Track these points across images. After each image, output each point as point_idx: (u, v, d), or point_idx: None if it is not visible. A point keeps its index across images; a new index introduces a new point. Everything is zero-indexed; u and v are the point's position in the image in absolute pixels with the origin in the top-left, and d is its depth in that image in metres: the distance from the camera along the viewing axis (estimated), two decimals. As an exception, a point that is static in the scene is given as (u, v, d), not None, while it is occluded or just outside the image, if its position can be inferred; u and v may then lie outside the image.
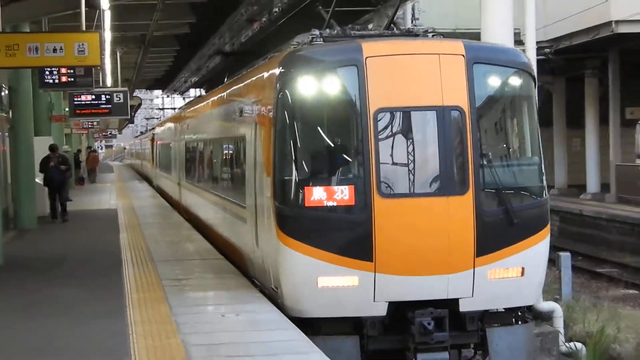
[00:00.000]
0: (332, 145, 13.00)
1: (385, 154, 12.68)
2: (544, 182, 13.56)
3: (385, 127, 12.75)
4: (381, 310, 12.68)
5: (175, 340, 11.48)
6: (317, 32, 14.36)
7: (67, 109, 36.18)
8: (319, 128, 13.06)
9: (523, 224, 12.89)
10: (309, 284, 12.62)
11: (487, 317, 13.19)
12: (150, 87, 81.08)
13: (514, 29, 18.96)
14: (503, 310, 13.41)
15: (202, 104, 24.92)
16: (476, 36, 18.23)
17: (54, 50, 16.92)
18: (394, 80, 12.80)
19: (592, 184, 41.49)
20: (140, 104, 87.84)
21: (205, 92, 35.90)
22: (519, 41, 20.33)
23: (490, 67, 13.17)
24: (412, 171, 12.78)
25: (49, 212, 29.56)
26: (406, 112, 12.82)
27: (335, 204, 12.55)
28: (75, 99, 30.52)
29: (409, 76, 12.85)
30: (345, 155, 12.91)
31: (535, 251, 13.10)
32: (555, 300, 18.38)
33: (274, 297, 13.57)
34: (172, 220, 28.63)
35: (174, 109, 76.94)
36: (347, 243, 12.57)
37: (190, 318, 12.85)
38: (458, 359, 13.38)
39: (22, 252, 22.14)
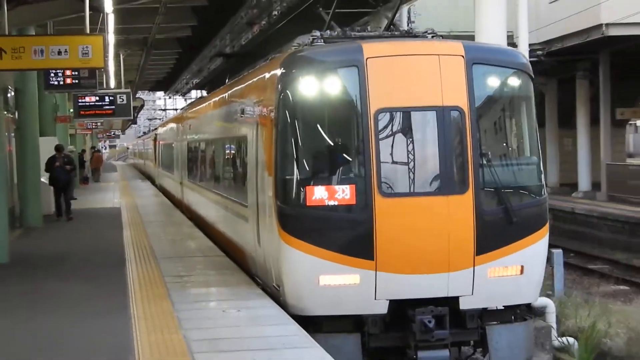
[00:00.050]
0: (333, 145, 12.82)
1: (386, 154, 12.50)
2: (543, 181, 13.40)
3: (386, 127, 12.58)
4: (382, 308, 12.51)
5: (177, 336, 11.43)
6: (317, 33, 14.19)
7: (71, 110, 36.06)
8: (320, 128, 12.86)
9: (522, 222, 12.72)
10: (311, 282, 12.45)
11: (487, 315, 13.02)
12: (153, 89, 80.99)
13: (507, 31, 18.85)
14: (503, 308, 13.23)
15: (204, 105, 24.74)
16: (471, 39, 18.09)
17: (59, 52, 16.82)
18: (395, 80, 12.62)
19: (584, 182, 41.47)
20: (143, 105, 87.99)
21: (207, 94, 35.71)
22: (512, 44, 20.21)
23: (490, 68, 12.98)
24: (413, 171, 12.60)
25: (54, 210, 29.46)
26: (406, 112, 12.64)
27: (336, 203, 12.38)
28: (80, 101, 30.58)
29: (409, 77, 12.67)
30: (346, 155, 12.74)
31: (534, 250, 12.94)
32: (548, 296, 18.33)
33: (276, 295, 13.39)
34: (174, 218, 28.55)
35: (176, 109, 76.79)
36: (348, 242, 12.40)
37: (192, 314, 12.80)
38: (458, 356, 13.23)
39: (28, 249, 22.04)
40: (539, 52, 37.68)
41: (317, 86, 12.61)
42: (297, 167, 12.63)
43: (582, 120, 41.57)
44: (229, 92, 18.83)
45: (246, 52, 38.43)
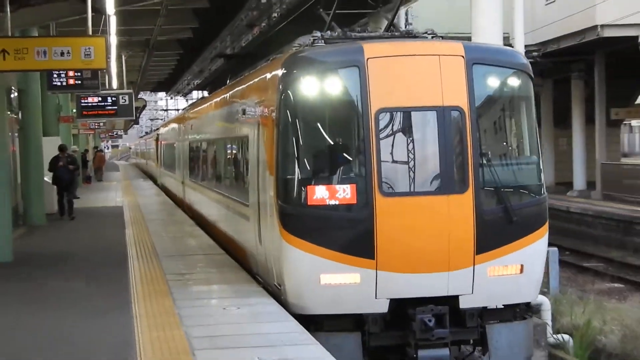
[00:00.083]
0: (334, 144, 12.67)
1: (387, 154, 12.35)
2: (542, 180, 13.26)
3: (386, 127, 12.42)
4: (383, 307, 12.36)
5: (178, 332, 11.40)
6: (318, 34, 14.04)
7: (74, 110, 36.19)
8: (321, 128, 12.71)
9: (522, 222, 12.57)
10: (312, 281, 12.30)
11: (487, 314, 12.87)
12: (155, 90, 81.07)
13: (504, 33, 18.74)
14: (502, 307, 13.07)
15: (206, 105, 24.59)
16: (467, 40, 17.90)
17: (62, 54, 16.80)
18: (395, 80, 12.46)
19: (579, 181, 41.47)
20: (144, 106, 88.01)
21: (208, 94, 35.60)
22: (508, 45, 19.98)
23: (490, 68, 12.82)
24: (413, 170, 12.45)
25: (57, 209, 29.33)
26: (407, 112, 12.48)
27: (337, 202, 12.23)
28: (82, 101, 30.75)
29: (410, 77, 12.51)
30: (347, 155, 12.58)
31: (534, 249, 12.79)
32: (543, 293, 18.23)
33: (277, 294, 13.25)
34: (175, 217, 28.45)
35: (177, 110, 76.74)
36: (349, 241, 12.25)
37: (193, 311, 12.75)
38: (458, 354, 13.09)
39: (32, 248, 21.97)
40: (535, 53, 37.68)
41: (318, 86, 12.46)
42: (298, 167, 12.48)
43: (577, 120, 41.59)
44: (230, 92, 18.69)
45: (246, 53, 38.35)
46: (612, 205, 35.25)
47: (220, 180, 20.14)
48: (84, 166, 50.39)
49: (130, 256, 18.65)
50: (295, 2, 28.87)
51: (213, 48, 45.17)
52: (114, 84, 37.11)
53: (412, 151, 12.42)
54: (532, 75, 13.18)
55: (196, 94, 69.82)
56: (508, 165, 13.08)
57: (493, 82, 12.93)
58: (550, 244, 20.57)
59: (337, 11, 16.16)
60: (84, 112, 31.15)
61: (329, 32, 14.56)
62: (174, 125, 37.13)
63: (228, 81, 22.19)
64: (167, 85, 68.55)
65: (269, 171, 13.15)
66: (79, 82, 23.63)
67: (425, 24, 34.64)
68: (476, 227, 12.26)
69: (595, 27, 34.31)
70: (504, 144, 13.44)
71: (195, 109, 28.30)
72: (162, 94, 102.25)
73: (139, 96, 70.40)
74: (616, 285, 25.60)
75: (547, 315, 16.84)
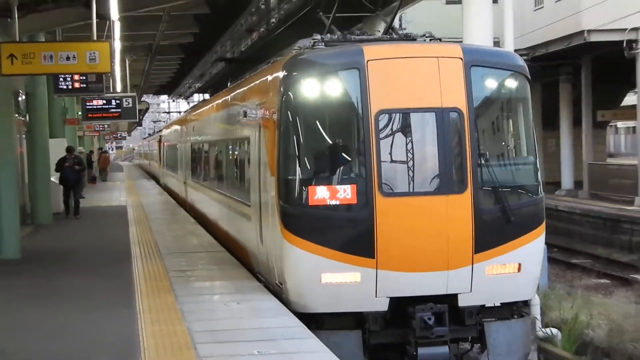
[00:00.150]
0: (335, 145, 12.42)
1: (386, 154, 12.11)
2: (540, 180, 13.04)
3: (386, 128, 12.18)
4: (383, 305, 12.11)
5: (180, 327, 11.35)
6: (318, 36, 13.82)
7: (79, 113, 36.17)
8: (321, 129, 12.47)
9: (520, 221, 12.34)
10: (313, 280, 12.06)
11: (485, 312, 12.64)
12: (157, 92, 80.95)
13: (494, 37, 18.59)
14: (500, 305, 12.81)
15: (207, 107, 24.34)
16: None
17: (67, 58, 16.74)
18: (395, 82, 12.21)
19: (567, 181, 41.39)
20: (147, 108, 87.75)
21: (209, 97, 35.38)
22: (498, 49, 19.84)
23: (488, 70, 12.56)
24: (412, 171, 12.20)
25: (63, 208, 29.15)
26: (406, 114, 12.23)
27: (338, 202, 12.00)
28: (88, 104, 30.91)
29: (409, 78, 12.25)
30: (347, 156, 12.34)
31: (531, 247, 12.55)
32: (533, 289, 18.10)
33: (278, 293, 13.00)
34: (178, 216, 28.31)
35: (179, 112, 76.49)
36: (349, 240, 12.01)
37: (194, 306, 12.67)
38: (457, 352, 12.80)
39: (39, 246, 21.86)
40: (524, 57, 37.30)
41: (319, 88, 12.21)
42: (300, 168, 12.24)
43: (565, 122, 41.55)
44: (232, 94, 18.44)
45: (246, 57, 38.22)
46: (598, 204, 35.20)
47: (222, 180, 19.92)
48: (89, 167, 50.21)
49: (133, 254, 18.56)
50: (294, 7, 28.68)
51: (213, 52, 45.10)
52: (118, 87, 37.10)
53: (412, 152, 12.18)
54: (529, 77, 12.94)
55: (197, 97, 69.77)
56: (506, 166, 12.84)
57: (491, 83, 12.69)
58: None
59: (336, 15, 15.85)
60: (89, 115, 31.28)
61: (329, 34, 14.32)
62: (176, 127, 36.91)
63: (229, 84, 21.95)
64: (169, 88, 68.50)
65: (270, 172, 12.91)
66: (84, 85, 23.50)
67: (418, 29, 34.42)
68: (474, 227, 12.03)
69: (582, 32, 34.30)
70: (502, 144, 13.20)
71: (197, 111, 28.08)
72: (164, 97, 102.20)
73: (142, 99, 70.07)
74: (602, 281, 25.45)
75: (536, 310, 16.67)
